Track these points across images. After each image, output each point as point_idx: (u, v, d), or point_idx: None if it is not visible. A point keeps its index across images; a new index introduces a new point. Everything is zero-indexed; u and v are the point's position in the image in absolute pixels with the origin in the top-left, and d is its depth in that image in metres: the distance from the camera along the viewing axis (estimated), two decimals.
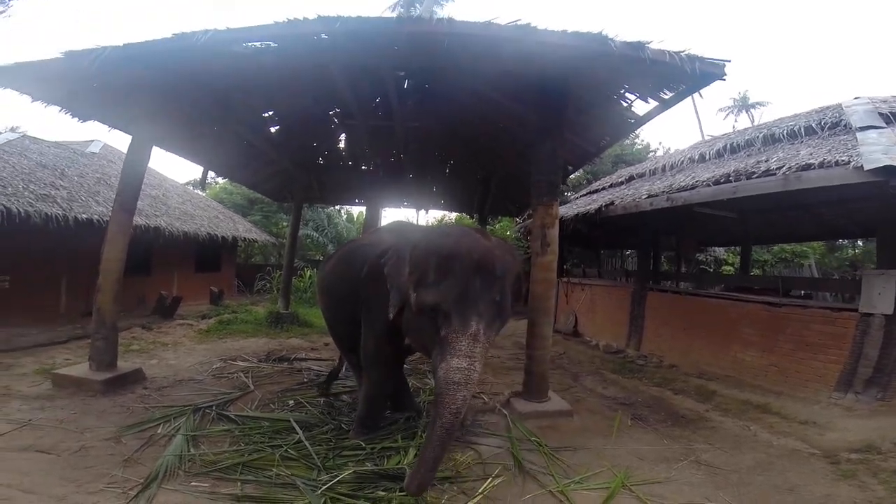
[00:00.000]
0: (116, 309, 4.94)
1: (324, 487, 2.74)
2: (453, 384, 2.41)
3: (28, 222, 6.80)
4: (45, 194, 7.59)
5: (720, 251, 13.69)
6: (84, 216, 7.68)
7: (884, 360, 4.49)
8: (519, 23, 3.44)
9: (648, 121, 5.07)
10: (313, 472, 2.99)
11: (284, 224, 16.19)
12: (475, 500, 2.75)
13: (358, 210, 18.80)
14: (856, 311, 4.75)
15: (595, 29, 3.51)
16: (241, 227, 14.05)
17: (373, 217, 10.19)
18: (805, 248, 13.81)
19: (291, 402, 4.45)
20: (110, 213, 5.25)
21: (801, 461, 3.47)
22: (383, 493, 2.75)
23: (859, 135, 4.80)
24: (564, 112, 4.65)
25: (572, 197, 11.79)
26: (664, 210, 6.20)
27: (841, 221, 7.96)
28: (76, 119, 5.36)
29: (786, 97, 54.05)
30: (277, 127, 7.35)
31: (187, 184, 16.88)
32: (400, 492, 2.73)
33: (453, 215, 15.96)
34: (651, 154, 17.37)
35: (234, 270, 15.09)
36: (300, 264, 14.63)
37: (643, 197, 6.67)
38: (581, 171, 12.24)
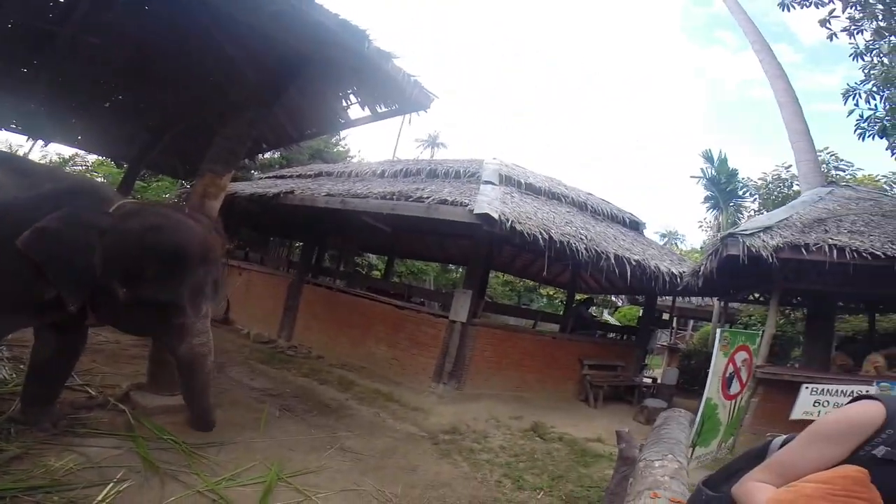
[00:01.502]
0: None
1: None
2: (201, 357, 2.87)
3: None
4: None
5: (373, 258, 15.82)
6: None
7: (459, 356, 6.19)
8: None
9: (356, 126, 5.43)
10: None
11: None
12: None
13: None
14: (447, 317, 6.31)
15: (361, 25, 3.47)
16: None
17: None
18: (426, 267, 17.76)
19: None
20: None
21: (416, 443, 4.28)
22: None
23: (482, 186, 6.61)
24: (287, 88, 4.42)
25: (257, 176, 11.09)
26: (337, 211, 6.77)
27: (453, 250, 10.65)
28: None
29: (463, 144, 69.78)
30: None
31: None
32: None
33: (91, 157, 12.13)
34: (349, 159, 18.53)
35: None
36: None
37: (322, 194, 7.04)
38: (277, 154, 11.70)
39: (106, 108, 7.12)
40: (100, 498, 2.32)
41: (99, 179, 12.48)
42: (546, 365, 7.12)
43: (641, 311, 10.92)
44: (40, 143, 8.37)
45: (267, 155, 10.03)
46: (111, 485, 2.44)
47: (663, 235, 32.46)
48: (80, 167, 12.80)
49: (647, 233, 10.04)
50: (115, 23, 4.68)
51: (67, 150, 12.64)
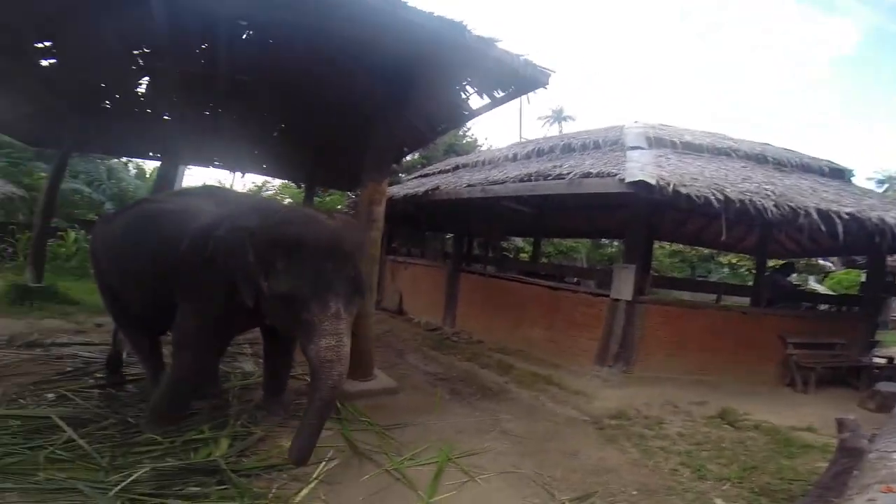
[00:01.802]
0: None
1: (116, 489, 2.36)
2: (327, 362, 2.59)
3: None
4: None
5: (519, 240, 15.89)
6: None
7: (626, 337, 5.79)
8: None
9: (479, 115, 5.57)
10: (98, 474, 2.54)
11: (42, 175, 12.30)
12: (311, 485, 2.67)
13: (153, 165, 15.69)
14: (608, 296, 5.96)
15: (456, 18, 3.61)
16: None
17: (168, 174, 8.56)
18: (576, 244, 17.09)
19: (51, 396, 3.62)
20: None
21: (578, 428, 4.21)
22: (197, 489, 2.50)
23: (628, 153, 6.10)
24: (410, 92, 4.71)
25: (405, 178, 12.09)
26: (479, 199, 6.95)
27: (606, 224, 10.04)
28: None
29: (591, 114, 66.56)
30: (54, 61, 5.61)
31: None
32: (218, 485, 2.53)
33: (276, 182, 14.79)
34: (478, 148, 18.97)
35: None
36: (62, 225, 11.48)
37: (463, 185, 7.31)
38: (417, 155, 12.69)
39: (275, 138, 8.65)
40: (314, 475, 2.79)
41: (286, 200, 15.07)
42: (736, 344, 6.19)
43: (864, 275, 8.72)
44: (238, 174, 10.47)
45: (408, 157, 10.81)
46: (322, 464, 2.92)
47: (881, 182, 25.55)
48: (270, 191, 15.48)
49: (857, 180, 8.03)
50: (255, 62, 5.61)
51: (259, 178, 15.37)
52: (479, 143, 20.36)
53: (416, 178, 10.99)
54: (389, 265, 10.38)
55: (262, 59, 5.44)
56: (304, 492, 2.60)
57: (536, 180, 6.07)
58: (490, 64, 3.93)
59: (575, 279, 8.84)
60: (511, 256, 14.40)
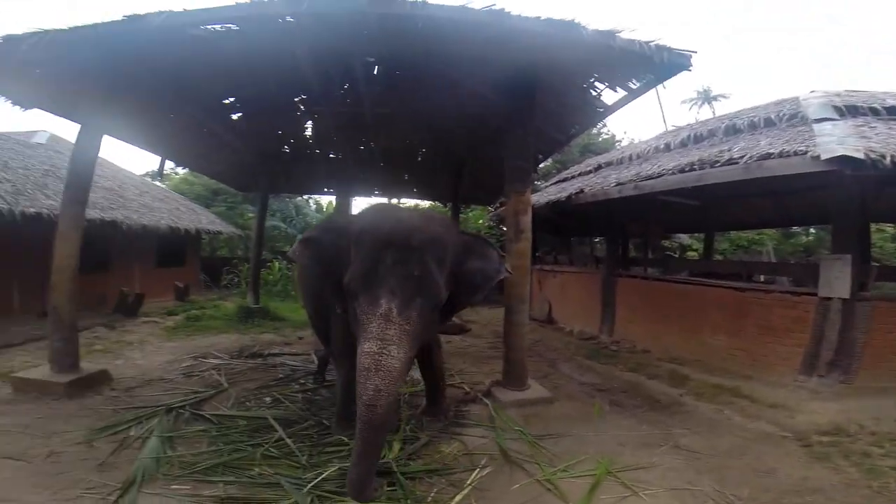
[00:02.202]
0: (74, 308, 4.66)
1: (309, 486, 2.68)
2: (364, 371, 2.21)
3: None
4: None
5: (684, 237, 14.17)
6: (32, 210, 7.19)
7: (843, 342, 4.72)
8: (492, 7, 3.41)
9: (616, 110, 5.15)
10: (298, 471, 2.91)
11: (250, 215, 15.62)
12: (465, 492, 2.74)
13: (328, 199, 18.43)
14: (815, 294, 4.96)
15: (567, 17, 3.51)
16: (204, 219, 13.50)
17: (342, 206, 9.98)
18: (760, 236, 14.48)
19: (268, 399, 4.33)
20: (60, 208, 4.90)
21: (775, 444, 3.60)
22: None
23: (815, 126, 5.02)
24: (535, 99, 4.65)
25: (542, 185, 11.91)
26: (631, 198, 6.37)
27: (798, 209, 8.34)
28: (17, 107, 5.01)
29: (744, 91, 56.28)
30: (240, 114, 7.06)
31: (144, 175, 16.03)
32: (389, 486, 2.71)
33: (426, 204, 15.96)
34: (617, 144, 17.77)
35: (198, 264, 14.44)
36: (269, 256, 14.25)
37: (612, 185, 6.82)
38: (550, 160, 12.45)
39: (419, 163, 9.35)
40: (468, 482, 2.85)
41: None
42: None
43: None
44: (395, 200, 11.56)
45: (542, 165, 10.61)
46: (476, 471, 2.98)
47: None
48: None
49: None
50: (389, 94, 6.08)
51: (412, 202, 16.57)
52: (617, 139, 19.09)
53: (554, 183, 10.72)
54: (536, 274, 10.23)
55: (393, 91, 5.98)
56: (458, 497, 2.68)
57: (702, 169, 5.36)
58: (616, 56, 3.68)
59: (762, 277, 7.53)
60: (675, 256, 12.92)
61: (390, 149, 8.58)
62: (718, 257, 12.25)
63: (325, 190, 10.97)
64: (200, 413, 3.88)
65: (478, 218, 14.43)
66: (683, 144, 7.07)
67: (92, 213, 7.06)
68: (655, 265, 9.04)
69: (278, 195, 14.34)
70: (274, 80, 5.67)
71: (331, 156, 9.20)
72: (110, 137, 5.66)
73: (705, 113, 32.26)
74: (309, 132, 8.34)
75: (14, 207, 6.94)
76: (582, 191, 7.32)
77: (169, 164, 9.60)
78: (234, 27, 3.75)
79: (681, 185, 5.67)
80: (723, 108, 30.32)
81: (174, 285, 11.79)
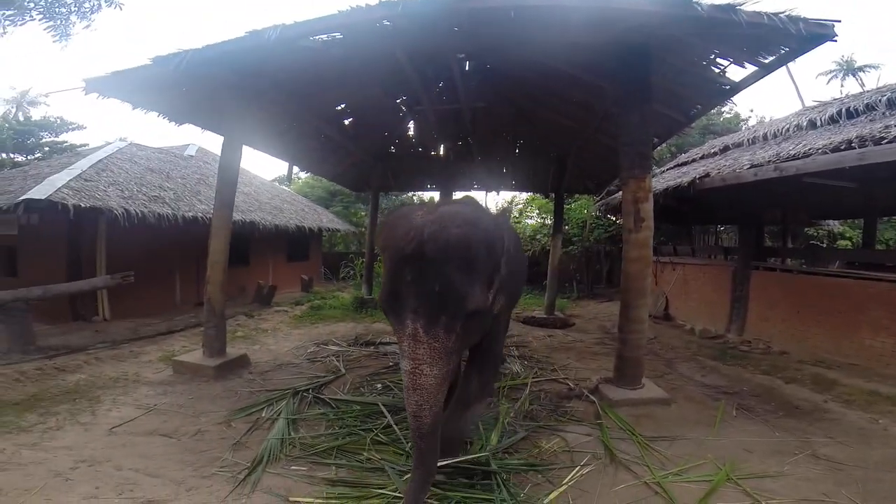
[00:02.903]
0: (224, 298, 5.36)
1: (409, 475, 2.73)
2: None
3: (144, 222, 7.67)
4: (155, 196, 8.50)
5: (834, 224, 12.06)
6: (190, 214, 8.52)
7: None
8: None
9: (746, 87, 4.57)
10: (402, 458, 3.03)
11: (363, 213, 16.99)
12: (562, 489, 2.66)
13: (429, 196, 19.07)
14: None
15: None
16: (324, 219, 14.87)
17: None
18: None
19: (379, 386, 4.59)
20: (212, 211, 5.66)
21: None
22: (465, 481, 2.73)
23: None
24: (649, 80, 4.30)
25: (657, 171, 10.98)
26: (769, 181, 5.57)
27: None
28: (173, 123, 5.76)
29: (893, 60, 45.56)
30: (350, 119, 7.59)
31: (273, 180, 18.08)
32: (483, 478, 2.72)
33: (524, 195, 15.70)
34: (742, 123, 15.79)
35: (320, 259, 16.04)
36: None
37: (745, 167, 6.02)
38: (664, 144, 11.45)
39: (517, 154, 9.20)
40: (567, 479, 2.75)
41: (533, 213, 15.73)
42: None
43: None
44: (493, 193, 11.57)
45: (656, 149, 9.76)
46: (577, 469, 2.87)
47: None
48: (519, 205, 16.42)
49: None
50: (483, 88, 5.99)
51: (508, 194, 16.30)
52: (742, 118, 16.87)
53: (671, 168, 9.79)
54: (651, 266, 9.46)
55: (487, 84, 5.94)
56: (554, 494, 2.60)
57: (863, 146, 4.55)
58: (740, 31, 3.26)
59: None
60: (823, 246, 11.05)
61: (488, 142, 8.60)
62: (879, 247, 10.22)
63: (429, 186, 11.33)
64: (321, 397, 4.21)
65: (582, 208, 13.79)
66: (833, 120, 6.10)
67: (235, 216, 8.11)
68: (798, 256, 7.84)
69: (387, 193, 15.17)
70: (378, 83, 6.00)
71: (432, 153, 9.50)
72: (248, 147, 6.27)
73: (850, 86, 27.00)
74: (412, 132, 8.72)
75: (176, 212, 8.29)
76: (708, 174, 6.59)
77: (294, 169, 10.72)
78: (338, 35, 3.96)
79: (836, 166, 4.81)
80: (871, 81, 25.11)
81: (300, 278, 13.16)
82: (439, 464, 2.51)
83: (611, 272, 13.70)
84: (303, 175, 20.00)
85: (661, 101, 5.15)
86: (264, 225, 10.69)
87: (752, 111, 19.91)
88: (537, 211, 15.72)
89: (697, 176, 6.80)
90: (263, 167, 62.13)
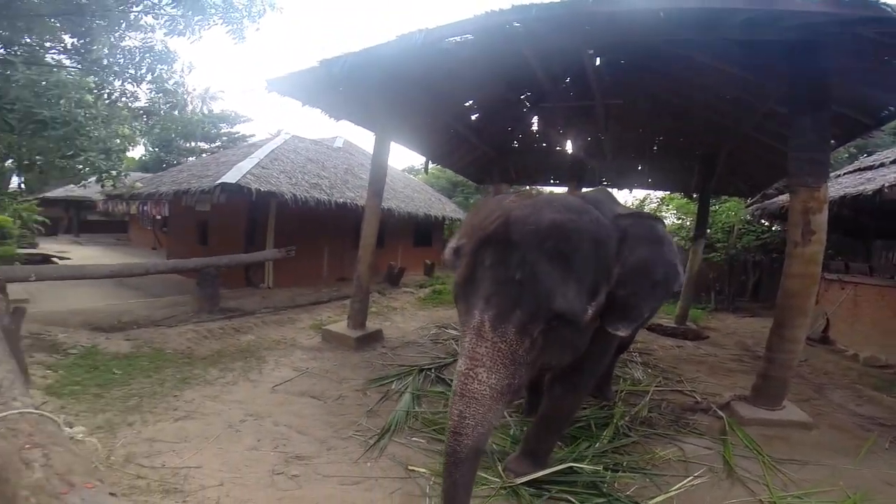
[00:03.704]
0: (370, 277, 5.96)
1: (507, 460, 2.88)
2: (453, 391, 1.90)
3: (306, 205, 8.95)
4: (314, 183, 9.83)
5: None
6: (341, 200, 9.71)
7: None
8: None
9: None
10: (507, 441, 3.22)
11: None
12: (669, 495, 2.65)
13: (549, 190, 18.85)
14: None
15: None
16: (448, 208, 15.66)
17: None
18: None
19: None
20: (362, 198, 6.27)
21: None
22: (575, 478, 2.76)
23: None
24: (825, 83, 3.80)
25: (832, 175, 9.42)
26: None
27: None
28: (332, 119, 6.27)
29: None
30: (477, 115, 7.89)
31: (403, 170, 19.42)
32: (591, 482, 2.71)
33: (658, 194, 14.60)
34: None
35: (442, 245, 16.90)
36: None
37: None
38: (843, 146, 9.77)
39: (656, 152, 8.61)
40: (675, 487, 2.71)
41: (670, 211, 14.54)
42: None
43: None
44: (625, 191, 11.01)
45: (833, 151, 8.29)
46: (689, 479, 2.80)
47: None
48: (653, 203, 15.19)
49: None
50: (617, 84, 5.78)
51: (642, 192, 15.17)
52: None
53: (850, 172, 8.34)
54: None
55: (622, 79, 5.72)
56: (659, 499, 2.61)
57: None
58: None
59: None
60: None
61: (621, 139, 8.25)
62: None
63: (552, 181, 11.25)
64: (442, 377, 4.50)
65: (730, 210, 12.39)
66: None
67: None
68: None
69: (511, 186, 15.35)
70: (504, 81, 6.18)
71: (557, 148, 9.44)
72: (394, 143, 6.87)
73: None
74: (535, 127, 8.78)
75: (331, 198, 9.52)
76: None
77: (419, 161, 11.40)
78: (470, 37, 4.14)
79: None
80: None
81: (424, 262, 14.08)
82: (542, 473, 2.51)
83: (758, 285, 12.08)
84: (429, 166, 21.14)
85: (840, 102, 4.50)
86: (399, 212, 11.65)
87: None
88: (674, 211, 14.50)
89: (887, 184, 5.79)
90: (394, 157, 66.79)
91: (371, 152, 6.34)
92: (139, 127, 9.89)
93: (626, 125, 7.68)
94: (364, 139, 43.76)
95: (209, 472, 2.66)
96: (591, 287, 1.98)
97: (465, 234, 2.18)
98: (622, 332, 2.23)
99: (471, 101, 7.38)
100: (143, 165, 18.83)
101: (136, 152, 21.22)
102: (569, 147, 9.23)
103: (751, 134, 6.42)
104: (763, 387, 4.00)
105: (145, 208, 11.94)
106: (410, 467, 2.86)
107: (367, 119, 6.40)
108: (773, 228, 11.67)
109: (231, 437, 3.12)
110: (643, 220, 2.49)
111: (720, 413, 3.91)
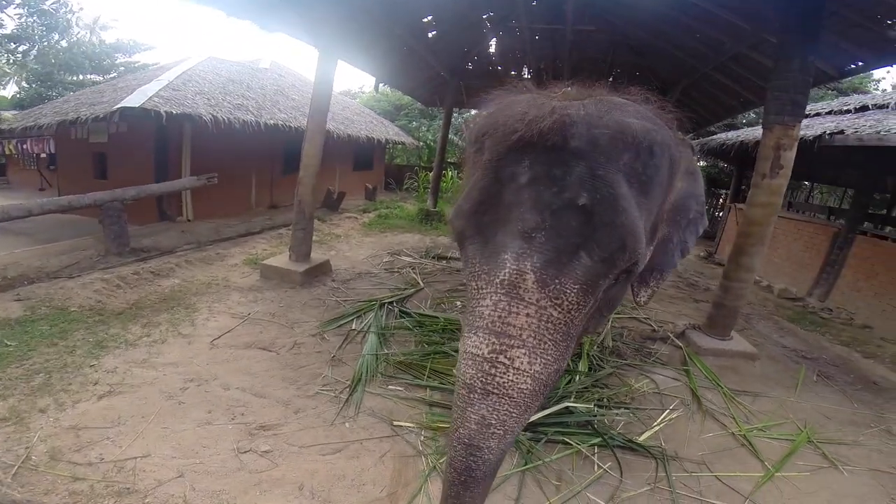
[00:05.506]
0: (313, 201, 5.44)
1: None
2: (464, 388, 1.23)
3: (230, 128, 7.86)
4: (239, 104, 8.61)
5: None
6: (271, 122, 8.67)
7: None
8: None
9: None
10: None
11: (424, 130, 17.08)
12: (654, 430, 2.82)
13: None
14: None
15: None
16: (390, 132, 14.79)
17: None
18: None
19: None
20: (296, 120, 5.48)
21: None
22: (567, 418, 2.76)
23: None
24: (810, 31, 3.82)
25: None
26: None
27: None
28: (264, 30, 5.53)
29: None
30: (434, 32, 7.28)
31: (340, 93, 17.82)
32: (584, 421, 2.74)
33: None
34: (871, 84, 14.13)
35: (383, 169, 16.31)
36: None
37: (893, 132, 5.42)
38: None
39: (609, 83, 8.58)
40: (657, 422, 2.89)
41: None
42: None
43: None
44: None
45: None
46: (666, 412, 3.01)
47: None
48: None
49: None
50: (595, 12, 5.58)
51: None
52: (874, 78, 14.95)
53: None
54: (734, 213, 8.91)
55: (598, 6, 5.50)
56: (647, 434, 2.76)
57: None
58: None
59: None
60: None
61: (579, 67, 8.04)
62: None
63: None
64: (406, 311, 4.26)
65: None
66: None
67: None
68: None
69: (459, 110, 14.80)
70: None
71: (512, 72, 9.03)
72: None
73: None
74: (492, 49, 8.27)
75: (259, 119, 8.44)
76: (842, 131, 5.97)
77: (357, 85, 10.40)
78: None
79: None
80: None
81: (364, 186, 13.44)
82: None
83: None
84: (367, 90, 19.74)
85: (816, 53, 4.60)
86: (338, 134, 10.77)
87: (888, 72, 17.41)
88: None
89: (828, 131, 6.17)
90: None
91: (303, 75, 5.60)
92: (8, 59, 7.78)
93: (585, 55, 7.46)
94: (293, 62, 38.81)
95: (161, 462, 2.21)
96: (654, 222, 1.46)
97: (483, 136, 1.41)
98: (647, 291, 1.78)
99: (430, 17, 6.67)
100: (18, 104, 15.63)
101: (8, 91, 17.51)
102: (524, 73, 8.85)
103: (710, 73, 6.49)
104: (716, 316, 4.33)
105: (24, 146, 10.13)
106: (396, 423, 2.64)
107: (310, 31, 5.53)
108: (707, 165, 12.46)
109: (175, 412, 2.60)
110: (685, 143, 1.93)
111: (678, 342, 4.21)
